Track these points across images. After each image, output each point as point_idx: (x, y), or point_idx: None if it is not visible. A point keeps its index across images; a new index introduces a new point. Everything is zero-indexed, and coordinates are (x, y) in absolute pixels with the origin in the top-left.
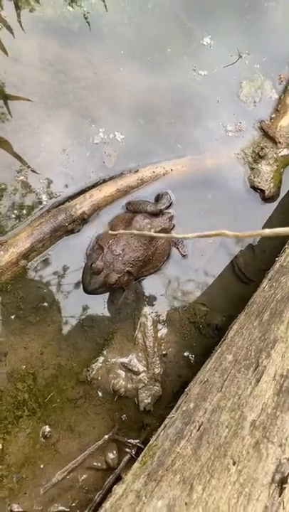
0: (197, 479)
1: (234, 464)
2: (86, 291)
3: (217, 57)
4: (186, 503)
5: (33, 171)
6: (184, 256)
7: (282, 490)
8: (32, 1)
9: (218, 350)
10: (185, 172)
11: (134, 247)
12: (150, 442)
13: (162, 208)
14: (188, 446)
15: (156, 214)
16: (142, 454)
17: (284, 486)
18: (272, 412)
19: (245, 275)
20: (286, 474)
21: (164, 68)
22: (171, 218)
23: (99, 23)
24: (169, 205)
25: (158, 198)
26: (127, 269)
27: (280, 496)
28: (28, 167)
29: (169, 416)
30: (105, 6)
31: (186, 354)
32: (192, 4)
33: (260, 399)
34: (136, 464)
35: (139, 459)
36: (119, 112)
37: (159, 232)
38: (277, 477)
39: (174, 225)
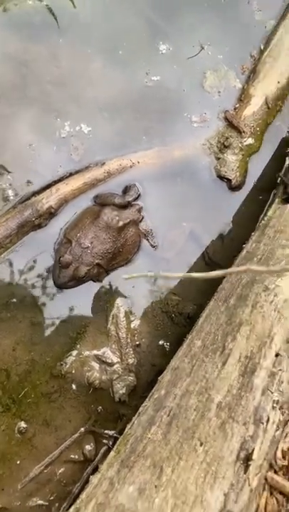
0: (166, 462)
1: (201, 444)
2: (56, 285)
3: (181, 50)
4: (155, 486)
5: None
6: (154, 247)
7: (247, 467)
8: None
9: (189, 337)
10: (152, 164)
11: (102, 240)
12: (125, 431)
13: (130, 199)
14: (158, 431)
15: (124, 206)
16: (117, 443)
17: (249, 463)
18: (237, 392)
19: (215, 263)
20: (251, 451)
21: (129, 61)
22: (139, 210)
23: (62, 17)
24: (137, 197)
25: (126, 190)
26: (97, 261)
27: (245, 473)
28: None
29: (143, 405)
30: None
31: (160, 343)
32: None
33: (226, 381)
34: (111, 453)
35: (114, 447)
36: (84, 106)
37: (128, 224)
38: (242, 454)
39: (142, 217)
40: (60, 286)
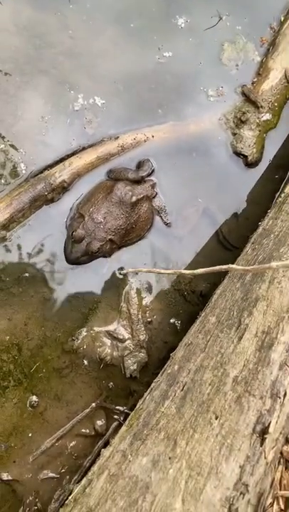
0: (180, 435)
1: (216, 418)
2: (68, 260)
3: (198, 20)
4: (169, 458)
5: (11, 139)
6: (167, 224)
7: (263, 440)
8: None
9: (202, 314)
10: (167, 138)
11: (115, 215)
12: (137, 406)
13: (144, 174)
14: (172, 405)
15: (138, 181)
16: (129, 417)
17: (265, 436)
18: (254, 367)
19: (229, 242)
20: (267, 424)
21: (145, 32)
22: (153, 186)
23: None
24: (151, 172)
25: (139, 166)
26: (109, 237)
27: (261, 446)
28: (5, 136)
29: (155, 380)
30: None
31: (172, 321)
32: None
33: (242, 355)
34: (123, 428)
35: (126, 422)
36: (98, 78)
37: (141, 199)
38: (259, 428)
39: (156, 193)
40: (73, 262)
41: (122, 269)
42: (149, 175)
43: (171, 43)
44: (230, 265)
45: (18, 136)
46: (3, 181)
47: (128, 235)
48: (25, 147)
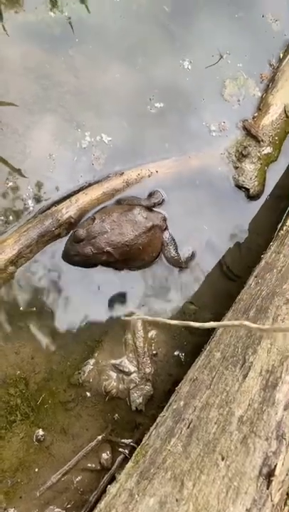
0: (187, 475)
1: (223, 459)
2: (62, 256)
3: (200, 58)
4: (176, 500)
5: (20, 176)
6: (175, 259)
7: (269, 482)
8: (14, 8)
9: (207, 348)
10: (170, 173)
11: (124, 231)
12: (143, 441)
13: (156, 201)
14: (178, 443)
15: (150, 209)
16: (135, 453)
17: (271, 478)
18: (259, 407)
19: (232, 272)
20: (273, 467)
21: (148, 71)
22: (164, 219)
23: (81, 28)
24: (162, 202)
25: (150, 196)
26: (108, 249)
27: (267, 489)
28: (15, 173)
29: (161, 415)
30: (88, 9)
31: (176, 353)
32: (175, 6)
33: (247, 394)
34: (129, 464)
35: (132, 458)
36: (104, 115)
37: (155, 226)
38: (265, 470)
39: (167, 226)
40: (66, 258)
41: (131, 314)
42: (160, 204)
43: (174, 81)
44: (244, 322)
45: (26, 174)
46: (11, 218)
47: (131, 256)
48: (34, 184)
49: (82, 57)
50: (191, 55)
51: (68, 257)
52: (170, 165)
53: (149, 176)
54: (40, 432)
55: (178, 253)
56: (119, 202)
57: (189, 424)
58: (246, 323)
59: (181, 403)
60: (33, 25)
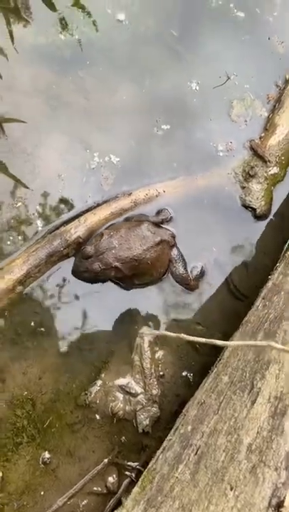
0: (196, 505)
1: (231, 489)
2: (72, 271)
3: (207, 79)
4: None
5: (29, 196)
6: (183, 275)
7: None
8: (25, 30)
9: (214, 371)
10: (177, 193)
11: (132, 246)
12: (149, 466)
13: (164, 218)
14: (186, 471)
15: (157, 225)
16: (142, 478)
17: (280, 510)
18: (268, 435)
19: (239, 292)
20: (282, 498)
21: (155, 92)
22: (173, 236)
23: (91, 50)
24: (170, 219)
25: (158, 213)
26: (116, 264)
27: None
28: (24, 193)
29: (168, 438)
30: (96, 30)
31: (184, 374)
32: (182, 29)
33: (256, 422)
34: (135, 489)
35: (139, 483)
36: (112, 136)
37: (163, 242)
38: (274, 501)
39: (175, 243)
40: (75, 274)
41: (148, 332)
42: (168, 221)
43: (181, 102)
44: (271, 342)
45: (35, 194)
46: (20, 238)
47: (139, 271)
48: (43, 204)
49: (92, 79)
50: (199, 77)
51: (77, 273)
52: (177, 184)
53: (156, 196)
54: (47, 454)
55: (186, 270)
56: (127, 219)
57: (197, 450)
58: (273, 343)
59: (189, 428)
60: (43, 48)
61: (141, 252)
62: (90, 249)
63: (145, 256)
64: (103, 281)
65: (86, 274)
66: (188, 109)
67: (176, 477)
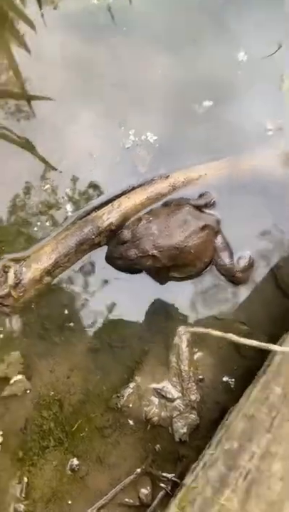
0: None
1: None
2: (106, 257)
3: (254, 49)
4: None
5: (58, 178)
6: (228, 266)
7: None
8: None
9: (264, 379)
10: (221, 175)
11: (172, 233)
12: (188, 482)
13: (207, 201)
14: (234, 498)
15: (200, 209)
16: (180, 496)
17: None
18: None
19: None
20: None
21: (197, 61)
22: (218, 221)
23: (126, 16)
24: (213, 204)
25: (200, 197)
26: (154, 252)
27: None
28: (52, 174)
29: (209, 452)
30: None
31: (225, 379)
32: None
33: None
34: (173, 508)
35: (176, 501)
36: (149, 112)
37: (207, 227)
38: None
39: (220, 229)
40: (108, 260)
41: (190, 330)
42: (211, 205)
43: (226, 75)
44: None
45: (64, 175)
46: (48, 223)
47: (181, 261)
48: (72, 186)
49: (127, 48)
50: (246, 46)
51: (111, 259)
52: (221, 166)
53: (197, 179)
54: (75, 461)
55: (233, 260)
56: (166, 204)
57: (246, 474)
58: None
59: (235, 444)
60: (74, 14)
61: (182, 239)
62: (126, 233)
63: (187, 244)
64: (137, 271)
65: (120, 262)
66: (233, 83)
67: (222, 504)
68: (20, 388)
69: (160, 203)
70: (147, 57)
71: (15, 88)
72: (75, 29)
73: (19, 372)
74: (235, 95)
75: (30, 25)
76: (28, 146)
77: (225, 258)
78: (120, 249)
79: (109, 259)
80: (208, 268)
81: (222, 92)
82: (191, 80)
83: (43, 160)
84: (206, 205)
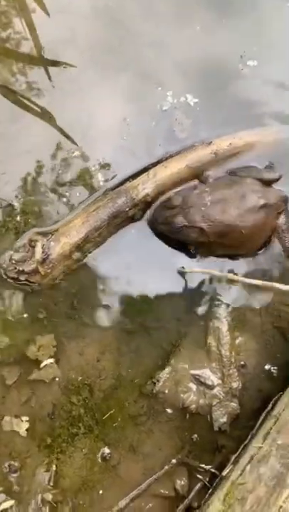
0: None
1: None
2: (148, 221)
3: None
4: None
5: (87, 144)
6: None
7: None
8: None
9: None
10: (271, 144)
11: (227, 208)
12: (233, 476)
13: (276, 176)
14: None
15: (267, 184)
16: (225, 491)
17: None
18: None
19: None
20: None
21: (243, 15)
22: (285, 200)
23: None
24: (279, 178)
25: (269, 168)
26: (202, 225)
27: None
28: (82, 140)
29: (256, 445)
30: None
31: (268, 365)
32: None
33: None
34: (217, 504)
35: (221, 496)
36: (189, 72)
37: (268, 206)
38: None
39: (286, 208)
40: (151, 225)
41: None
42: (277, 180)
43: (269, 28)
44: None
45: (95, 141)
46: (78, 194)
47: (230, 240)
48: (104, 154)
49: (165, 1)
50: None
51: (154, 223)
52: (271, 134)
53: (244, 147)
54: (106, 449)
55: None
56: (232, 173)
57: None
58: None
59: None
60: None
61: (235, 216)
62: (177, 198)
63: (240, 223)
64: (179, 244)
65: (163, 227)
66: (276, 43)
67: (281, 506)
68: (49, 375)
69: (223, 169)
70: (187, 11)
71: (35, 48)
72: None
73: (50, 356)
74: (286, 53)
75: None
76: (54, 109)
77: (285, 241)
78: (166, 213)
79: (152, 223)
80: (261, 250)
81: (270, 50)
82: (234, 37)
83: (71, 124)
84: (276, 180)
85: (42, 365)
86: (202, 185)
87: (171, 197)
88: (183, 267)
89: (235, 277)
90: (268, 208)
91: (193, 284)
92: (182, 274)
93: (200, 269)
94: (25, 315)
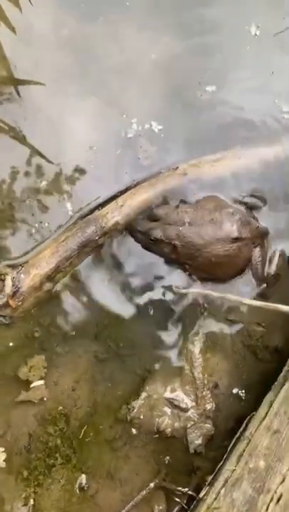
0: None
1: None
2: (129, 226)
3: (268, 22)
4: None
5: (55, 173)
6: (260, 281)
7: None
8: None
9: (286, 388)
10: (240, 166)
11: (202, 232)
12: (208, 500)
13: (255, 204)
14: None
15: (251, 213)
16: None
17: None
18: None
19: None
20: None
21: (205, 39)
22: (262, 234)
23: None
24: (257, 207)
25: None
26: (175, 242)
27: None
28: (49, 169)
29: (229, 467)
30: None
31: (240, 385)
32: None
33: None
34: None
35: None
36: (153, 98)
37: (242, 240)
38: None
39: (261, 243)
40: (131, 231)
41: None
42: (256, 208)
43: (237, 49)
44: None
45: (62, 170)
46: (47, 224)
47: (198, 265)
48: (72, 183)
49: (127, 26)
50: (259, 19)
51: (134, 230)
52: (237, 156)
53: (208, 171)
54: (84, 478)
55: (264, 275)
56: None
57: (278, 499)
58: None
59: (261, 463)
60: None
61: (204, 243)
62: (161, 211)
63: (211, 250)
64: (153, 251)
65: (140, 236)
66: (244, 61)
67: None
68: (37, 396)
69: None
70: (150, 36)
71: (3, 72)
72: (69, 5)
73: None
74: (246, 74)
75: (14, 1)
76: (20, 137)
77: (257, 271)
78: (148, 225)
79: (132, 230)
80: (238, 277)
81: (227, 73)
82: (195, 61)
83: (37, 153)
84: (252, 208)
85: (32, 385)
86: (185, 205)
87: (156, 209)
88: (177, 287)
89: (233, 297)
90: (240, 242)
91: (165, 308)
92: (164, 293)
93: (197, 289)
94: None
